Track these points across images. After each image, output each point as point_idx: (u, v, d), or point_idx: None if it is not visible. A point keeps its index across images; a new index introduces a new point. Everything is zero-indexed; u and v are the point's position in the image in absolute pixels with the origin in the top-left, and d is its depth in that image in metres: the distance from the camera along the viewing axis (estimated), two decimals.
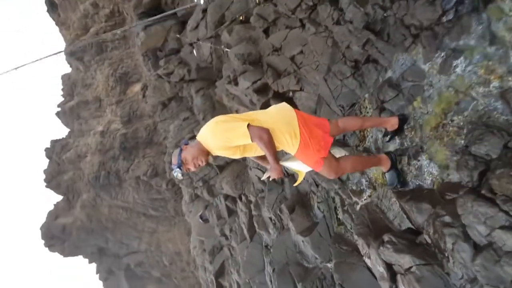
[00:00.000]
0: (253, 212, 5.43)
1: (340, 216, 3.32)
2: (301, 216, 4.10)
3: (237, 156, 2.08)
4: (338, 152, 2.23)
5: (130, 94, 18.11)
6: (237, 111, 6.19)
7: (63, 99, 21.79)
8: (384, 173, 2.44)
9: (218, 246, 7.61)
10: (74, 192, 18.62)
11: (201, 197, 9.24)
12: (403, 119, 2.43)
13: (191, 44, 7.43)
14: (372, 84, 3.03)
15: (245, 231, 6.12)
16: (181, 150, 2.03)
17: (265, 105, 5.29)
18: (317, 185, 3.91)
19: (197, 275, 13.83)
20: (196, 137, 2.07)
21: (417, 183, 2.23)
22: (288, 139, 1.95)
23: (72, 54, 20.31)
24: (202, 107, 7.01)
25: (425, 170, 2.17)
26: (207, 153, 2.02)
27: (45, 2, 25.53)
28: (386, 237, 2.19)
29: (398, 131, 2.49)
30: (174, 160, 2.03)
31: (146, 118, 16.83)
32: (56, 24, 24.24)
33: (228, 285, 6.87)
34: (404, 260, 1.93)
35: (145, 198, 15.80)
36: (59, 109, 21.20)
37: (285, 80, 4.60)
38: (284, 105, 2.11)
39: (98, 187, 16.84)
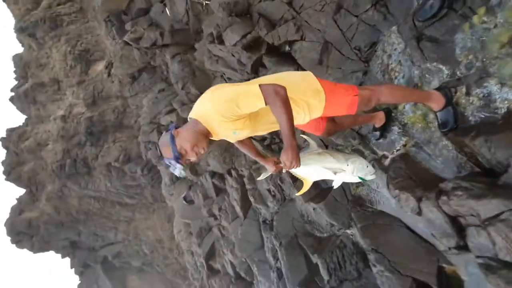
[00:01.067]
0: (247, 186, 4.90)
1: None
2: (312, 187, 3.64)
3: (243, 133, 1.65)
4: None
5: (93, 73, 16.48)
6: (222, 77, 5.49)
7: (16, 82, 19.49)
8: (436, 112, 1.99)
9: (206, 228, 7.06)
10: (38, 184, 17.00)
11: (183, 178, 8.54)
12: (387, 112, 2.40)
13: (162, 1, 6.48)
14: (402, 14, 2.52)
15: (237, 209, 5.60)
16: (172, 136, 1.52)
17: (257, 64, 4.65)
18: (326, 146, 3.43)
19: (182, 261, 13.28)
20: (191, 116, 1.58)
21: (483, 116, 1.79)
22: (311, 99, 1.60)
23: (22, 30, 17.99)
24: (180, 74, 6.20)
25: (496, 97, 1.72)
26: (207, 135, 1.55)
27: None
28: (448, 185, 1.74)
29: (386, 126, 2.47)
30: (168, 153, 1.54)
31: (114, 99, 15.43)
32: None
33: (221, 267, 6.41)
34: (487, 207, 1.50)
35: (118, 185, 14.72)
36: (12, 93, 18.96)
37: (282, 30, 3.97)
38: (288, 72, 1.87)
39: (64, 177, 15.42)
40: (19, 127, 18.63)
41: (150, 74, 7.55)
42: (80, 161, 14.79)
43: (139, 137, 8.63)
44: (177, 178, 8.60)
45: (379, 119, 2.42)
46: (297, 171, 1.71)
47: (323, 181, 3.45)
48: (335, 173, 1.58)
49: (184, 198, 7.69)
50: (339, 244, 2.82)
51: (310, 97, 1.59)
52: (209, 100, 1.49)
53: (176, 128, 1.56)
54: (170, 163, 1.56)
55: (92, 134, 14.91)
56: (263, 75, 4.93)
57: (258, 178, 2.23)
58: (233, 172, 5.62)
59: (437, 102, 1.92)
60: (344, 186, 3.06)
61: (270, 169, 1.86)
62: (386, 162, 2.54)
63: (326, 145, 3.26)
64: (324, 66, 3.43)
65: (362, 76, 2.99)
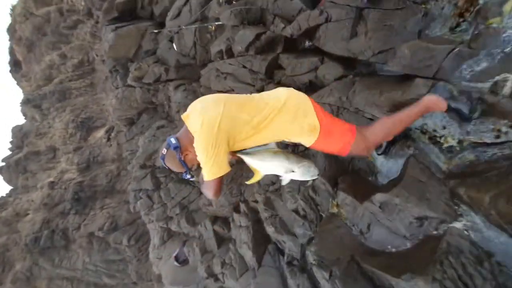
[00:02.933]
0: (264, 214, 3.60)
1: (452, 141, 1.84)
2: (358, 181, 2.51)
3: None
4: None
5: (92, 140, 15.98)
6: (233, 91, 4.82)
7: (10, 153, 18.75)
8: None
9: None
10: (6, 263, 14.36)
11: (176, 235, 6.96)
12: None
13: (170, 40, 6.32)
14: None
15: (248, 256, 4.11)
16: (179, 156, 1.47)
17: (273, 66, 4.02)
18: (287, 145, 2.47)
19: None
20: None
21: None
22: (300, 137, 1.52)
23: (28, 102, 18.28)
24: (183, 101, 5.55)
25: None
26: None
27: (9, 62, 24.18)
28: None
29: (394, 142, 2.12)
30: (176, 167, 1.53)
31: (109, 163, 14.49)
32: (15, 78, 22.55)
33: None
34: None
35: (98, 261, 12.39)
36: (2, 164, 17.96)
37: (302, 17, 3.47)
38: (287, 93, 1.51)
39: (37, 253, 13.11)
40: (0, 198, 17.00)
41: (150, 114, 6.90)
42: (59, 232, 12.79)
43: (129, 186, 7.41)
44: (169, 236, 7.02)
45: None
46: (251, 163, 1.64)
47: None
48: (285, 172, 1.62)
49: (176, 259, 6.02)
50: (447, 249, 1.57)
51: (300, 135, 1.50)
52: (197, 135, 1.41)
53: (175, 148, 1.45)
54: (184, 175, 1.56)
55: (79, 200, 13.37)
56: (279, 78, 4.29)
57: (248, 182, 1.83)
58: (242, 206, 4.35)
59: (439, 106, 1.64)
60: (433, 167, 1.95)
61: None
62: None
63: (287, 145, 2.85)
64: (361, 35, 2.74)
65: (422, 19, 2.28)
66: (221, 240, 5.26)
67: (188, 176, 1.54)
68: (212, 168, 1.39)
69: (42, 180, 15.72)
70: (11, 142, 19.01)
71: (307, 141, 1.52)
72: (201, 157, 1.39)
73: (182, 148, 1.44)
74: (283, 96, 1.46)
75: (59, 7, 19.58)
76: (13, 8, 22.86)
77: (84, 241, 12.40)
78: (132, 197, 7.07)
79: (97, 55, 14.68)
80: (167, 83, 6.29)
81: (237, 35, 4.13)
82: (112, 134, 14.84)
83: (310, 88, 3.62)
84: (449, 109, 1.64)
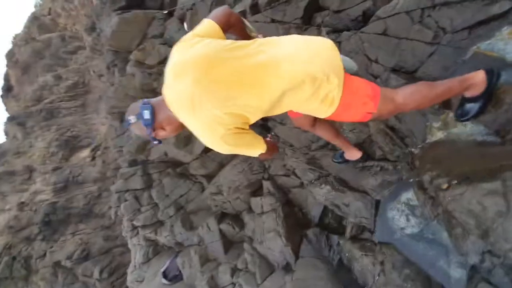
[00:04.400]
0: (309, 176, 2.48)
1: None
2: None
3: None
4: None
5: (75, 160, 14.46)
6: None
7: None
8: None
9: None
10: None
11: (164, 250, 5.46)
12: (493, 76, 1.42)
13: (181, 21, 5.71)
14: None
15: (276, 251, 2.86)
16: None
17: (313, 4, 3.32)
18: None
19: None
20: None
21: None
22: (319, 100, 1.15)
23: (13, 119, 16.92)
24: None
25: None
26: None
27: (2, 87, 23.26)
28: None
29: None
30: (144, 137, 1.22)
31: (90, 184, 12.82)
32: (4, 101, 21.41)
33: None
34: None
35: None
36: None
37: None
38: (327, 47, 1.15)
39: None
40: None
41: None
42: (20, 260, 10.54)
43: (111, 186, 6.04)
44: (155, 253, 5.51)
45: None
46: None
47: None
48: None
49: (164, 275, 4.50)
50: None
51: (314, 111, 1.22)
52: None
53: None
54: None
55: (49, 224, 11.38)
56: (321, 20, 3.55)
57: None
58: (266, 185, 3.18)
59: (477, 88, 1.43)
60: None
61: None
62: None
63: None
64: None
65: None
66: (230, 243, 3.95)
67: (156, 142, 1.25)
68: (248, 151, 1.18)
69: (13, 202, 13.69)
70: None
71: (319, 115, 1.25)
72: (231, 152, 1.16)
73: (156, 125, 1.15)
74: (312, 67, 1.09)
75: (62, 34, 19.51)
76: (15, 36, 22.71)
77: (47, 271, 10.19)
78: (115, 200, 5.69)
79: (94, 71, 14.02)
80: None
81: None
82: (98, 152, 13.50)
83: (363, 21, 2.89)
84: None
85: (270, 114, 1.18)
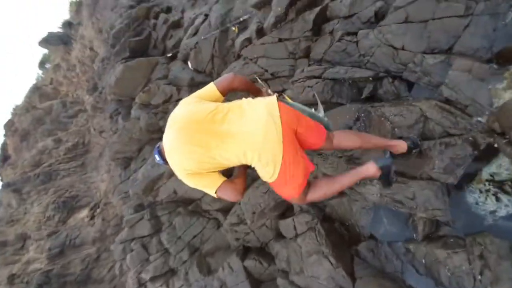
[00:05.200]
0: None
1: None
2: None
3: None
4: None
5: (72, 222, 13.58)
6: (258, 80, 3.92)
7: None
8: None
9: None
10: None
11: None
12: (413, 147, 1.82)
13: (184, 61, 5.82)
14: None
15: (321, 277, 2.33)
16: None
17: (322, 16, 3.33)
18: None
19: None
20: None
21: None
22: (261, 171, 1.47)
23: (8, 186, 16.31)
24: None
25: None
26: None
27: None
28: None
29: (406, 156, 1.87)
30: None
31: (88, 246, 11.78)
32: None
33: None
34: None
35: None
36: None
37: None
38: (269, 117, 1.40)
39: None
40: None
41: (155, 145, 5.72)
42: None
43: (116, 238, 5.35)
44: None
45: (399, 149, 1.83)
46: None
47: None
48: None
49: None
50: None
51: (266, 167, 1.43)
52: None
53: None
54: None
55: None
56: (331, 28, 3.49)
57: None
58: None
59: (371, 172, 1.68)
60: None
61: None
62: None
63: None
64: None
65: None
66: (258, 283, 3.35)
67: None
68: (208, 189, 1.48)
69: (2, 276, 12.36)
70: None
71: (265, 179, 1.51)
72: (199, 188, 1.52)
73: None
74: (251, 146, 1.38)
75: (63, 100, 20.11)
76: (15, 107, 23.20)
77: None
78: (119, 252, 5.05)
79: (94, 129, 14.07)
80: (178, 102, 5.42)
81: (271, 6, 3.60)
82: (98, 210, 12.76)
83: (375, 21, 2.87)
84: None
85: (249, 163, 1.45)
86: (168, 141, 1.46)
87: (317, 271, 2.46)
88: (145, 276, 4.55)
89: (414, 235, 1.85)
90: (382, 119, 2.14)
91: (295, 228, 2.85)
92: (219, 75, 5.10)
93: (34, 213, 14.64)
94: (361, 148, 2.04)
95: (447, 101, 1.85)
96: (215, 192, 1.45)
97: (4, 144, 22.81)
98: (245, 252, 3.67)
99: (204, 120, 1.40)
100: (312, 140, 1.56)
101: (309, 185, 1.55)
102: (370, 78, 2.54)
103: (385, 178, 1.63)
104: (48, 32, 19.46)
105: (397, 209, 1.87)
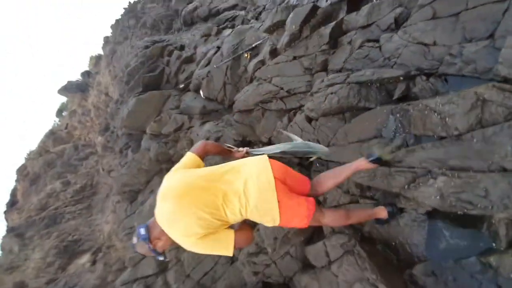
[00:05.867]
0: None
1: None
2: None
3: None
4: None
5: (72, 269, 12.72)
6: (271, 102, 3.74)
7: None
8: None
9: None
10: None
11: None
12: (392, 213, 1.99)
13: (196, 91, 5.82)
14: None
15: None
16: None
17: (337, 31, 3.25)
18: None
19: None
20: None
21: None
22: (262, 222, 1.59)
23: (12, 231, 15.77)
24: (214, 134, 4.31)
25: None
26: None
27: (7, 203, 22.97)
28: None
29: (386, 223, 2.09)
30: (148, 253, 1.53)
31: None
32: (6, 216, 20.64)
33: None
34: None
35: None
36: None
37: None
38: (264, 174, 1.56)
39: None
40: None
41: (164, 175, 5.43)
42: None
43: (117, 280, 4.72)
44: None
45: (381, 216, 2.04)
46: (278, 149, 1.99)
47: None
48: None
49: None
50: None
51: (265, 219, 1.58)
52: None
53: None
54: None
55: None
56: (348, 40, 3.36)
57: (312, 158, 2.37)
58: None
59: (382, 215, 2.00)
60: None
61: (239, 157, 1.92)
62: None
63: None
64: None
65: None
66: None
67: (162, 258, 1.56)
68: (224, 250, 1.48)
69: None
70: None
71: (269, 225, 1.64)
72: (208, 252, 1.50)
73: (152, 238, 1.47)
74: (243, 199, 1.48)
75: (76, 144, 20.49)
76: (30, 153, 23.60)
77: None
78: None
79: (103, 169, 13.94)
80: (189, 130, 5.26)
81: (289, 17, 3.61)
82: (100, 255, 11.97)
83: (396, 27, 2.76)
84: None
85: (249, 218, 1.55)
86: (166, 213, 1.44)
87: None
88: None
89: (494, 243, 1.43)
90: (426, 112, 1.86)
91: (327, 253, 2.38)
92: (231, 101, 5.02)
93: (35, 259, 13.87)
94: (340, 182, 2.05)
95: (506, 80, 1.60)
96: (233, 245, 1.46)
97: (14, 189, 22.69)
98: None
99: (203, 183, 1.48)
100: (299, 188, 1.70)
101: (316, 217, 1.64)
102: (401, 78, 2.32)
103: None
104: (68, 81, 20.55)
105: (465, 213, 1.48)
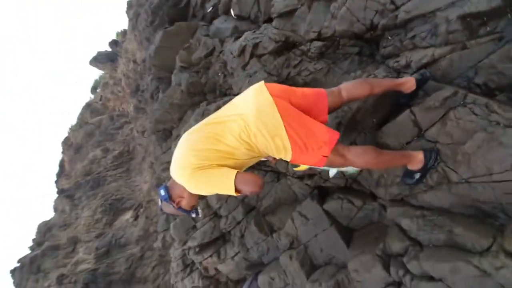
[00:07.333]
0: None
1: None
2: None
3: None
4: None
5: (118, 224, 13.48)
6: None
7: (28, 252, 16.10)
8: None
9: None
10: None
11: (230, 286, 3.66)
12: (421, 79, 1.72)
13: (226, 13, 5.19)
14: None
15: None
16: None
17: None
18: None
19: None
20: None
21: None
22: (274, 150, 1.41)
23: (62, 192, 17.02)
24: (242, 44, 3.72)
25: None
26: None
27: (57, 173, 24.69)
28: None
29: (414, 94, 1.76)
30: (177, 213, 1.65)
31: (132, 245, 11.38)
32: (57, 182, 22.30)
33: None
34: None
35: None
36: (17, 265, 15.10)
37: None
38: (260, 94, 1.38)
39: None
40: None
41: (196, 108, 5.04)
42: None
43: (158, 209, 4.61)
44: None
45: (408, 87, 1.74)
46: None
47: None
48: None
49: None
50: None
51: (275, 149, 1.40)
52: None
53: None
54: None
55: None
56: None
57: (296, 169, 2.05)
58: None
59: (416, 164, 1.65)
60: None
61: (270, 160, 1.78)
62: None
63: None
64: None
65: None
66: (348, 231, 2.28)
67: (193, 215, 1.56)
68: (224, 183, 1.34)
69: (53, 279, 12.41)
70: (33, 240, 16.64)
71: (285, 158, 1.45)
72: (211, 191, 1.44)
73: (174, 197, 1.48)
74: (242, 124, 1.37)
75: (111, 115, 21.08)
76: (71, 126, 24.87)
77: None
78: (162, 222, 4.25)
79: (137, 131, 14.14)
80: (222, 53, 4.72)
81: None
82: (141, 210, 12.47)
83: None
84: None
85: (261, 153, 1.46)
86: (174, 156, 1.47)
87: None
88: (192, 244, 3.66)
89: None
90: None
91: (416, 122, 1.79)
92: (266, 16, 4.32)
93: (84, 217, 14.89)
94: (372, 94, 1.77)
95: None
96: (234, 184, 1.30)
97: (62, 160, 24.34)
98: (321, 196, 2.64)
99: (205, 125, 1.47)
100: (317, 107, 1.48)
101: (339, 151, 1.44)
102: None
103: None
104: (97, 52, 20.73)
105: None
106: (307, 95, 1.51)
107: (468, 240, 1.39)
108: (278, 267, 2.64)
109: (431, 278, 1.48)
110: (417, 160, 1.61)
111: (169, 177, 1.56)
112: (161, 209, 1.52)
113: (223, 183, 1.32)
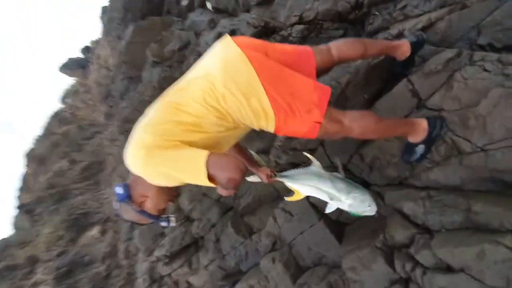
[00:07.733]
0: None
1: None
2: None
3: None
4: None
5: (83, 241, 12.31)
6: None
7: None
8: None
9: None
10: None
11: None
12: (417, 42, 1.51)
13: (202, 6, 4.93)
14: None
15: None
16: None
17: None
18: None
19: None
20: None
21: None
22: (252, 117, 1.10)
23: (22, 208, 15.45)
24: (218, 31, 3.46)
25: None
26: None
27: (18, 189, 22.57)
28: None
29: (410, 61, 1.56)
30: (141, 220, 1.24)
31: (98, 263, 10.32)
32: (19, 198, 20.34)
33: None
34: None
35: None
36: None
37: None
38: (226, 48, 1.13)
39: None
40: None
41: None
42: None
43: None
44: None
45: (402, 51, 1.52)
46: (292, 185, 1.53)
47: None
48: (331, 198, 1.40)
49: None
50: None
51: (253, 116, 1.10)
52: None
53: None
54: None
55: None
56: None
57: (248, 179, 1.65)
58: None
59: (419, 134, 1.38)
60: None
61: (262, 179, 1.63)
62: None
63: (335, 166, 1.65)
64: None
65: None
66: (338, 226, 1.98)
67: (164, 224, 1.22)
68: (191, 171, 1.00)
69: None
70: None
71: (267, 129, 1.15)
72: (177, 179, 1.06)
73: (135, 196, 1.14)
74: (210, 80, 1.08)
75: (80, 124, 19.85)
76: (37, 137, 23.05)
77: None
78: (126, 231, 3.73)
79: (107, 140, 13.27)
80: (196, 46, 4.41)
81: None
82: (109, 224, 11.48)
83: None
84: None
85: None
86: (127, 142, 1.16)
87: None
88: (159, 254, 3.15)
89: None
90: None
91: (415, 92, 1.56)
92: (245, 7, 4.11)
93: (45, 233, 13.53)
94: (365, 56, 1.54)
95: None
96: (205, 167, 0.95)
97: (26, 174, 22.35)
98: None
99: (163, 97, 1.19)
100: (302, 68, 1.16)
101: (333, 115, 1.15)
102: None
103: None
104: (68, 58, 19.74)
105: None
106: (288, 52, 1.25)
107: (492, 217, 1.12)
108: (258, 273, 2.25)
109: (448, 270, 1.19)
110: (420, 128, 1.37)
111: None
112: (119, 215, 1.15)
113: (190, 166, 0.98)
